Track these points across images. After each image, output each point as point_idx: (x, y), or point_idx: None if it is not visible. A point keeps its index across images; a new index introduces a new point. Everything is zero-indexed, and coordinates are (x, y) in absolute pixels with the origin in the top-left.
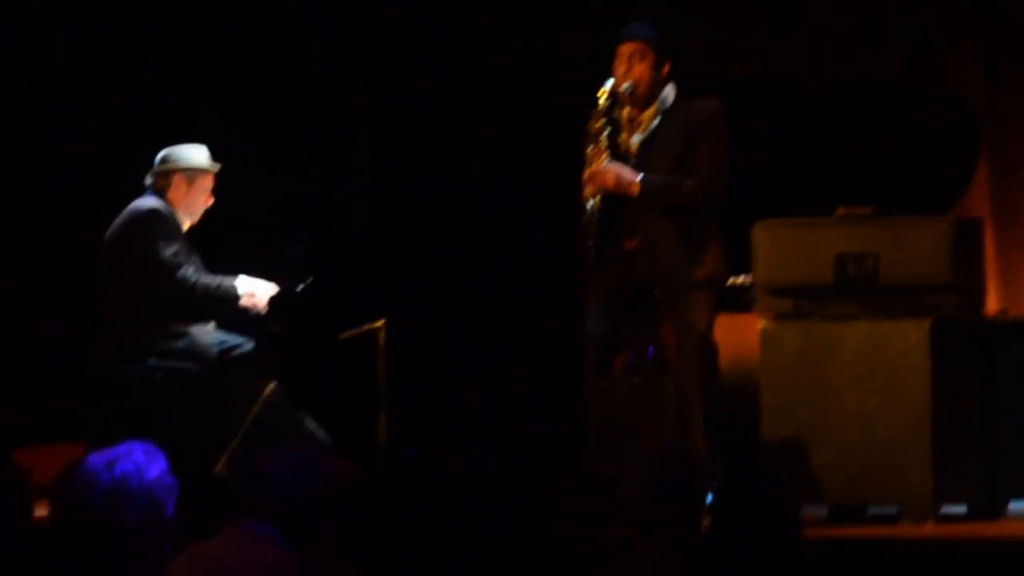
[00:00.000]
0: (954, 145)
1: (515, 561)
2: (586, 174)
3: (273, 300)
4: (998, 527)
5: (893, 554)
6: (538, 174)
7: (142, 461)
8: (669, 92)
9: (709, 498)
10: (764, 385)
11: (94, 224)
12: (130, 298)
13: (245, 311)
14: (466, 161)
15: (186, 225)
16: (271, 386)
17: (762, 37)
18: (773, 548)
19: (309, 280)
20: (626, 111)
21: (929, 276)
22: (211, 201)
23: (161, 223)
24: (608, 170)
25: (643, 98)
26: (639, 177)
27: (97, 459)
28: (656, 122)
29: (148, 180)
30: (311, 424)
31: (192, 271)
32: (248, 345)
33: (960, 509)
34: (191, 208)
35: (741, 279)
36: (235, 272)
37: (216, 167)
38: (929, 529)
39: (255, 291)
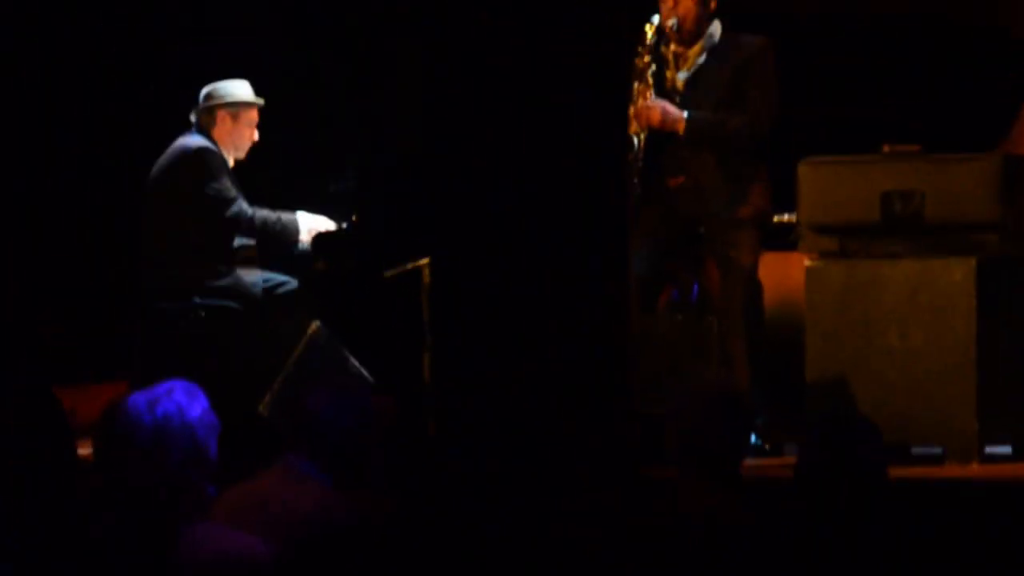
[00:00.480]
0: (1002, 82)
1: (561, 501)
2: (632, 110)
3: (318, 238)
4: None
5: (937, 494)
6: (585, 109)
7: (184, 401)
8: (716, 28)
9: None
10: (808, 324)
11: (142, 159)
12: (177, 236)
13: (291, 249)
14: (511, 98)
15: (232, 162)
16: (315, 325)
17: None
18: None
19: (354, 218)
20: (672, 47)
21: (975, 214)
22: (256, 136)
23: (211, 160)
24: (654, 107)
25: (689, 34)
26: (685, 114)
27: (139, 399)
28: (702, 59)
29: (192, 117)
30: (355, 363)
31: (246, 205)
32: (293, 283)
33: (1005, 449)
34: (237, 143)
35: (786, 217)
36: (283, 208)
37: (260, 101)
38: (974, 469)
39: (316, 227)
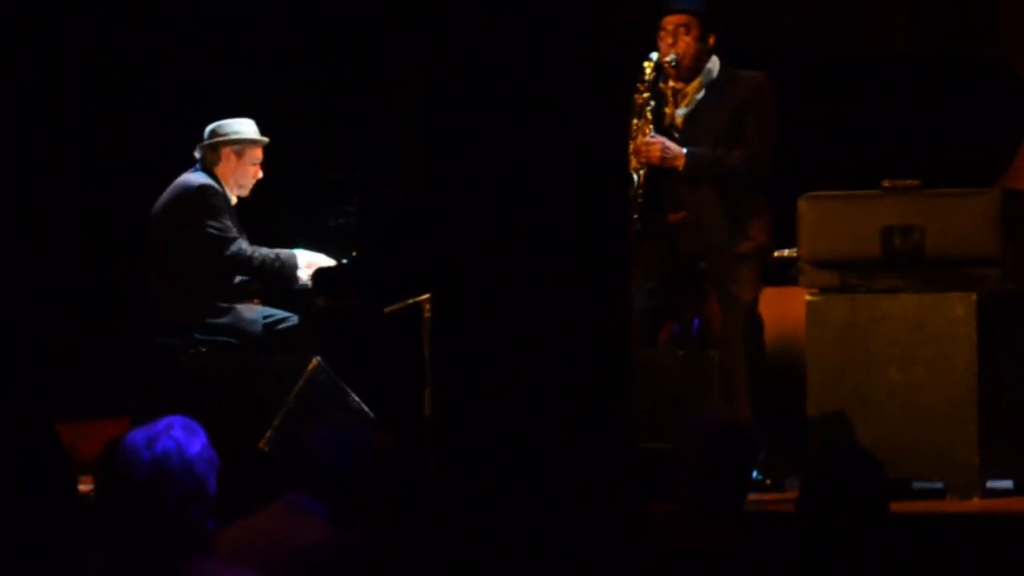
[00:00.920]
0: (1001, 116)
1: (561, 535)
2: (631, 147)
3: (319, 273)
4: None
5: (938, 529)
6: (586, 149)
7: (182, 437)
8: (714, 64)
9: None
10: (809, 358)
11: (141, 199)
12: (177, 274)
13: (291, 286)
14: (510, 136)
15: (235, 199)
16: (315, 360)
17: (807, 6)
18: (862, 525)
19: (354, 253)
20: (671, 83)
21: (975, 249)
22: (260, 174)
23: (211, 199)
24: (653, 143)
25: (688, 70)
26: (685, 150)
27: (137, 436)
28: (701, 95)
29: (197, 154)
30: (355, 399)
31: (245, 244)
32: (293, 319)
33: (1006, 484)
34: (241, 181)
35: (787, 252)
36: (283, 245)
37: (265, 140)
38: (975, 504)
39: (315, 262)
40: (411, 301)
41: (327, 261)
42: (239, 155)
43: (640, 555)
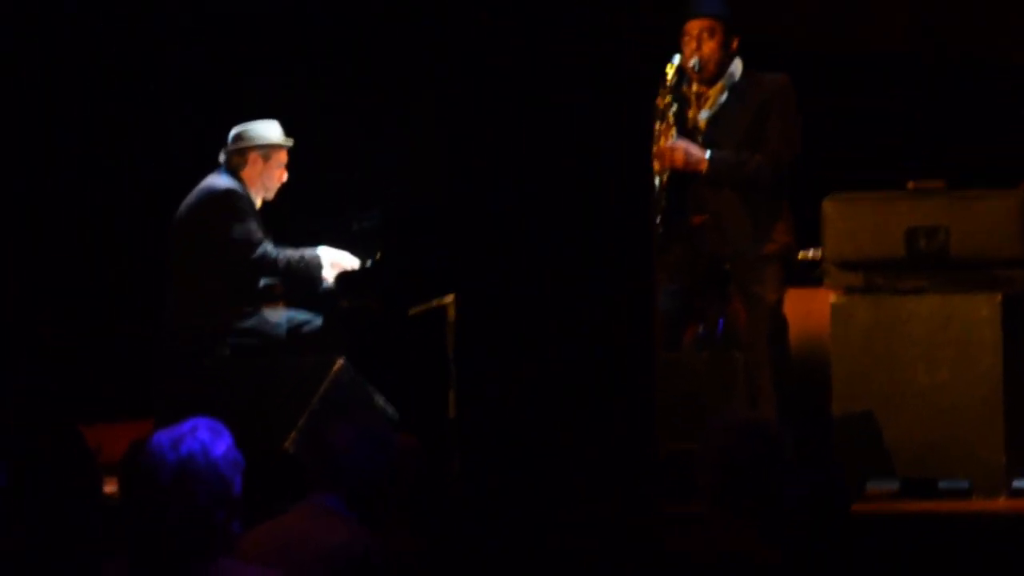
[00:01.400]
0: None
1: (586, 540)
2: (654, 150)
3: (343, 275)
4: None
5: (964, 529)
6: (608, 151)
7: (207, 439)
8: (736, 67)
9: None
10: (834, 359)
11: (167, 200)
12: (202, 277)
13: (317, 286)
14: (535, 140)
15: (259, 202)
16: (339, 362)
17: (833, 7)
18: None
19: (378, 255)
20: (693, 86)
21: (1000, 250)
22: (285, 177)
23: (237, 203)
24: (676, 146)
25: (711, 74)
26: (708, 153)
27: (162, 438)
28: (724, 98)
29: (222, 157)
30: (380, 399)
31: (271, 246)
32: (318, 321)
33: None
34: (267, 184)
35: (811, 253)
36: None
37: (290, 142)
38: (1001, 503)
39: (339, 261)
40: (435, 303)
41: (351, 260)
42: (266, 159)
43: (664, 556)
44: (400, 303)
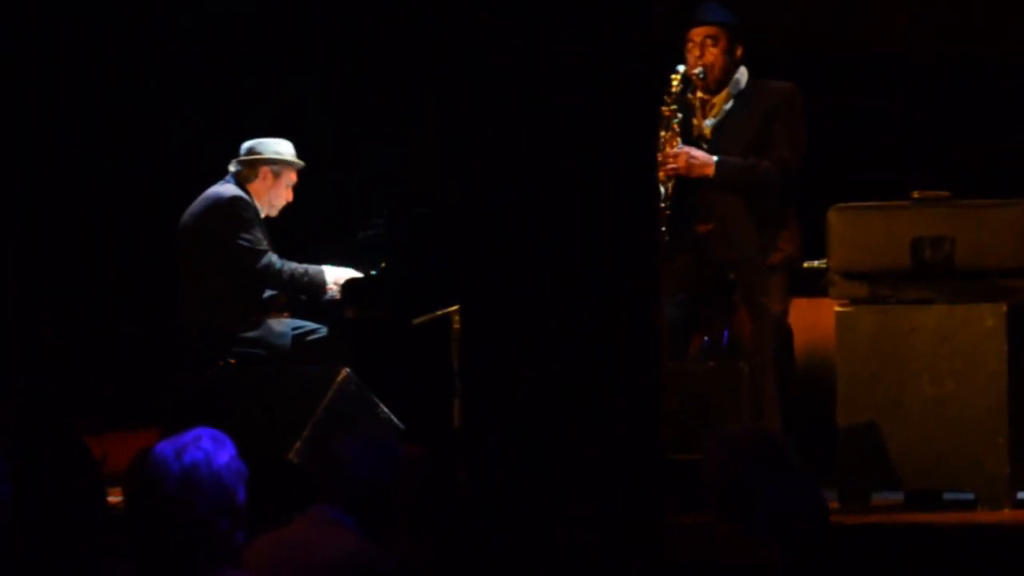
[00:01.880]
0: None
1: (590, 547)
2: (659, 158)
3: (348, 285)
4: None
5: (969, 540)
6: (613, 159)
7: (211, 448)
8: (742, 75)
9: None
10: (839, 369)
11: (173, 205)
12: (208, 285)
13: (319, 297)
14: (538, 144)
15: (263, 216)
16: (344, 372)
17: (839, 12)
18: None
19: (383, 265)
20: (699, 94)
21: (1006, 260)
22: (291, 197)
23: (244, 211)
24: (681, 154)
25: (716, 82)
26: (714, 160)
27: (166, 447)
28: (729, 105)
29: (232, 167)
30: (384, 410)
31: (276, 258)
32: (322, 331)
33: None
34: (273, 200)
35: (816, 263)
36: (311, 258)
37: (302, 164)
38: (1005, 515)
39: (343, 279)
40: (440, 312)
41: (355, 276)
42: (276, 175)
43: (669, 565)
44: (405, 313)
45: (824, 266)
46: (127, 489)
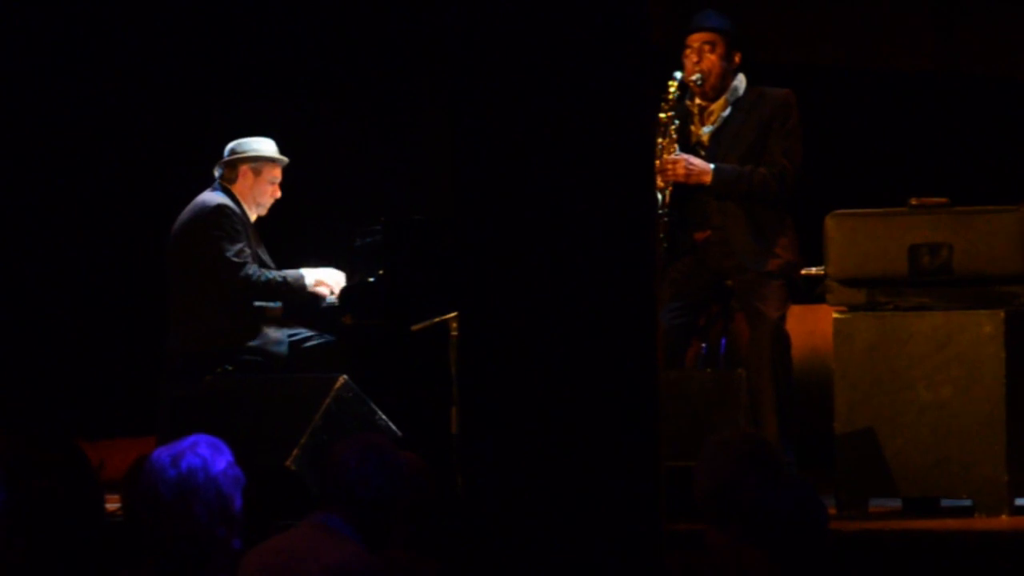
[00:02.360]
0: None
1: (588, 555)
2: (656, 165)
3: (345, 292)
4: None
5: (967, 547)
6: (610, 166)
7: (208, 455)
8: (740, 82)
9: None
10: (837, 376)
11: (171, 217)
12: (199, 293)
13: (318, 301)
14: (535, 155)
15: (253, 216)
16: (341, 379)
17: (836, 24)
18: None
19: (381, 273)
20: (697, 101)
21: (1003, 266)
22: (278, 194)
23: (226, 221)
24: (679, 161)
25: (713, 89)
26: (711, 167)
27: (163, 454)
28: (727, 112)
29: (216, 171)
30: (382, 417)
31: (255, 269)
32: (320, 338)
33: None
34: (258, 199)
35: (814, 270)
36: (310, 265)
37: (284, 159)
38: (1003, 521)
39: (323, 278)
40: (438, 319)
41: (336, 276)
42: (256, 173)
43: (664, 573)
44: (403, 320)
45: (822, 273)
46: (124, 496)
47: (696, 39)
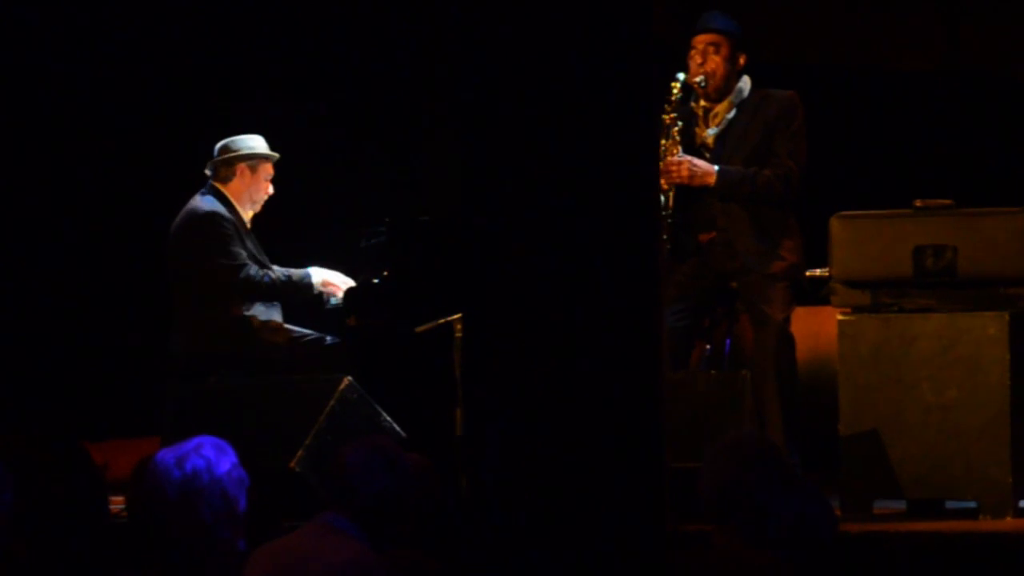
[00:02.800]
0: None
1: (592, 556)
2: (660, 167)
3: (350, 293)
4: None
5: (971, 549)
6: (615, 168)
7: (212, 456)
8: (745, 83)
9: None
10: (841, 378)
11: (173, 218)
12: (201, 297)
13: (322, 300)
14: (538, 153)
15: (249, 214)
16: (346, 380)
17: (840, 25)
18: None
19: (385, 273)
20: (701, 103)
21: (1008, 268)
22: (271, 190)
23: (218, 228)
24: (683, 162)
25: (717, 91)
26: (715, 169)
27: (167, 455)
28: (732, 114)
29: (208, 171)
30: (387, 418)
31: (255, 269)
32: (324, 339)
33: None
34: (254, 197)
35: (819, 271)
36: (312, 264)
37: (276, 155)
38: (1008, 523)
39: (330, 279)
40: (442, 320)
41: (342, 278)
42: (253, 171)
43: (669, 574)
44: (407, 321)
45: (826, 274)
46: (129, 497)
47: (700, 40)
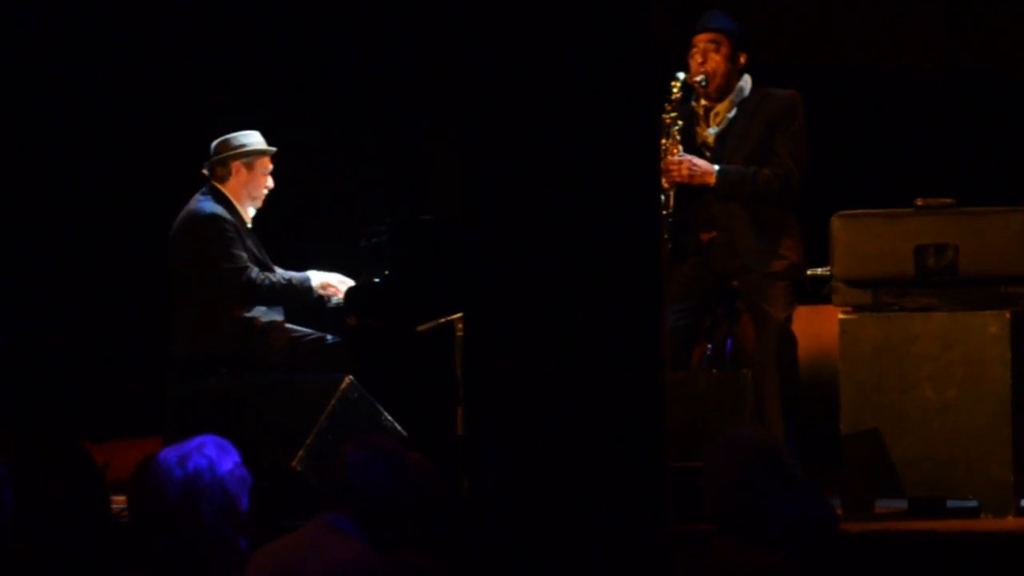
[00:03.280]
0: None
1: (593, 556)
2: (660, 166)
3: (350, 293)
4: None
5: (973, 548)
6: (615, 168)
7: (214, 455)
8: (746, 83)
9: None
10: (842, 377)
11: (173, 219)
12: (202, 299)
13: (323, 302)
14: (538, 153)
15: (250, 212)
16: (347, 380)
17: (841, 23)
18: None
19: (386, 273)
20: (702, 102)
21: (1009, 267)
22: (272, 184)
23: (218, 231)
24: (683, 162)
25: (718, 90)
26: (715, 168)
27: (169, 454)
28: (732, 113)
29: (206, 170)
30: (388, 418)
31: (256, 272)
32: (326, 339)
33: None
34: (253, 193)
35: (820, 270)
36: (315, 266)
37: (273, 149)
38: (1009, 522)
39: (329, 281)
40: (443, 320)
41: (341, 280)
42: (250, 167)
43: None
44: (408, 320)
45: (827, 274)
46: (131, 496)
47: (701, 40)
